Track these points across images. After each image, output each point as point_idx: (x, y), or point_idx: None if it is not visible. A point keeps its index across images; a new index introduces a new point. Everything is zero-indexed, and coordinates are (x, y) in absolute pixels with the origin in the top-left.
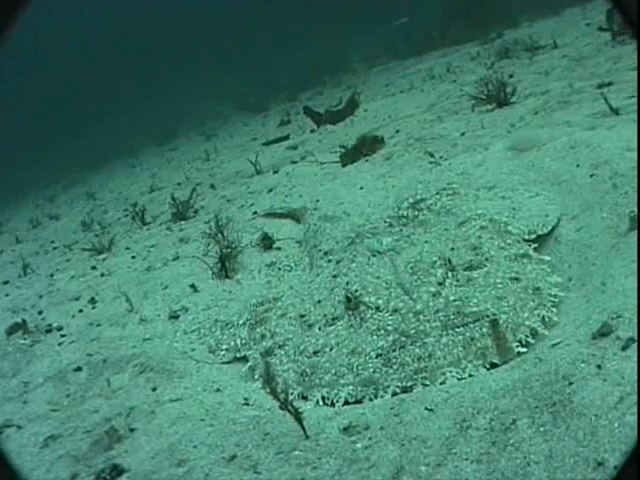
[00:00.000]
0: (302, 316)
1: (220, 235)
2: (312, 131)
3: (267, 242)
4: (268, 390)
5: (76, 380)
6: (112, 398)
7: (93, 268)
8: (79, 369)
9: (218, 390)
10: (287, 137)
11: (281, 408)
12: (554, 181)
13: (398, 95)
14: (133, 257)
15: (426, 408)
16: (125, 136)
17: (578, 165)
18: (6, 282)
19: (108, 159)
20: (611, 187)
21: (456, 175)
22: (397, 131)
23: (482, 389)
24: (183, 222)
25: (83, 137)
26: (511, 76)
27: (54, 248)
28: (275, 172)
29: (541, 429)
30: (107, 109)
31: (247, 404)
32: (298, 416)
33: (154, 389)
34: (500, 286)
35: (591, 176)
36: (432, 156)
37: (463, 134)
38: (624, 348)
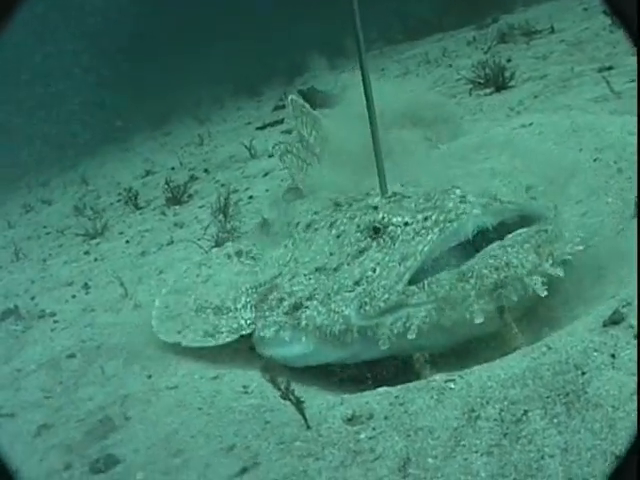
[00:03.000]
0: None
1: (222, 216)
2: None
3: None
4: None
5: (69, 367)
6: (106, 385)
7: (86, 253)
8: (72, 356)
9: (216, 377)
10: (282, 121)
11: (282, 398)
12: (557, 165)
13: (393, 80)
14: (127, 242)
15: (432, 397)
16: (118, 121)
17: (581, 149)
18: None
19: (100, 144)
20: (615, 171)
21: (455, 160)
22: None
23: (490, 378)
24: (177, 207)
25: (76, 119)
26: (509, 60)
27: (47, 233)
28: (270, 156)
29: (554, 421)
30: (100, 94)
31: (246, 392)
32: (300, 405)
33: (149, 376)
34: None
35: (595, 160)
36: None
37: (461, 118)
38: (637, 336)
